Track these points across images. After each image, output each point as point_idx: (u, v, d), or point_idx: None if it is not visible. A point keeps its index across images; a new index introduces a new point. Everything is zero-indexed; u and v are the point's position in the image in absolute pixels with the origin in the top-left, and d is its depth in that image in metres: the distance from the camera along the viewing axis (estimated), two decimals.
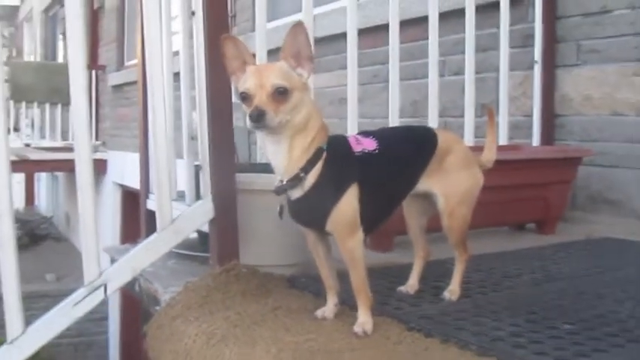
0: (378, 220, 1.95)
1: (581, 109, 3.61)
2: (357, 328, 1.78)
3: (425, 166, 1.96)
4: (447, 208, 1.98)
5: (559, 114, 3.71)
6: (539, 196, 3.23)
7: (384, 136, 1.93)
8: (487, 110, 2.23)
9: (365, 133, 1.95)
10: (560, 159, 3.30)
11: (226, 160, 2.27)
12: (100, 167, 10.48)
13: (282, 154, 1.77)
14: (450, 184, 1.98)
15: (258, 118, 1.65)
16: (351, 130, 2.97)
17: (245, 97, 1.71)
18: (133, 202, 6.96)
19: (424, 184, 1.98)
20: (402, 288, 2.15)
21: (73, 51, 2.14)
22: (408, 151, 1.95)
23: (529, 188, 3.17)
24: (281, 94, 1.69)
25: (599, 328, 1.81)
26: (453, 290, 2.09)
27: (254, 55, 1.82)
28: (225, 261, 2.23)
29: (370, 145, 1.87)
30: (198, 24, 2.30)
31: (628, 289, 2.21)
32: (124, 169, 9.04)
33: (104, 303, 8.23)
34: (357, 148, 1.84)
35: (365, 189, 1.80)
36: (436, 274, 2.25)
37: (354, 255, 1.80)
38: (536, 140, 3.69)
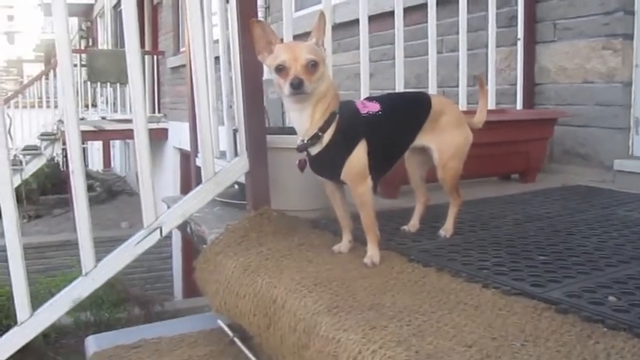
0: (383, 169, 1.92)
1: (557, 79, 3.52)
2: (366, 260, 1.77)
3: (421, 125, 1.93)
4: (441, 161, 1.95)
5: (538, 82, 3.63)
6: (522, 151, 3.18)
7: (386, 100, 1.91)
8: (478, 80, 2.18)
9: (370, 99, 1.93)
10: (540, 120, 3.24)
11: (258, 123, 2.25)
12: (162, 135, 10.54)
13: (305, 118, 1.76)
14: (444, 141, 1.95)
15: (299, 85, 1.65)
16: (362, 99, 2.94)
17: (281, 69, 1.69)
18: (189, 162, 7.01)
19: (422, 140, 1.94)
20: (405, 227, 2.13)
21: (129, 38, 2.11)
22: (406, 112, 1.92)
23: (514, 144, 3.12)
24: (313, 66, 1.67)
25: (568, 259, 1.79)
26: (447, 229, 2.06)
27: (281, 40, 1.79)
28: (259, 206, 2.21)
29: (374, 107, 1.84)
30: (232, 13, 2.26)
31: (594, 228, 2.17)
32: (181, 135, 9.07)
33: (168, 244, 8.32)
34: (363, 111, 1.82)
35: (371, 144, 1.78)
36: (434, 216, 2.23)
37: (364, 199, 1.78)
38: (519, 105, 3.62)
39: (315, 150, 1.79)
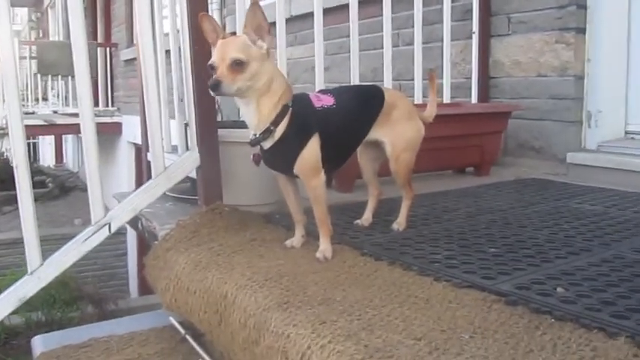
0: (337, 163, 1.93)
1: (511, 72, 3.57)
2: (318, 254, 1.77)
3: (374, 118, 1.94)
4: (394, 154, 1.97)
5: (493, 76, 3.68)
6: (477, 145, 3.22)
7: (340, 93, 1.91)
8: (429, 74, 2.20)
9: (324, 91, 1.93)
10: (494, 113, 3.29)
11: (208, 117, 2.24)
12: (116, 129, 10.38)
13: (252, 113, 1.75)
14: (396, 134, 1.96)
15: (214, 87, 1.65)
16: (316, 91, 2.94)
17: (212, 69, 1.69)
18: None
19: (374, 134, 1.96)
20: (358, 221, 2.14)
21: (75, 29, 2.07)
22: (359, 106, 1.93)
23: (468, 138, 3.16)
24: (238, 65, 1.66)
25: (519, 251, 1.81)
26: (400, 222, 2.08)
27: (233, 33, 1.78)
28: (211, 201, 2.20)
29: (328, 101, 1.85)
30: (182, 6, 2.24)
31: (546, 220, 2.21)
32: (136, 130, 8.93)
33: (123, 241, 8.17)
34: (317, 104, 1.82)
35: (325, 137, 1.78)
36: (387, 210, 2.24)
37: (317, 192, 1.78)
38: (474, 98, 3.66)
39: (267, 144, 1.78)
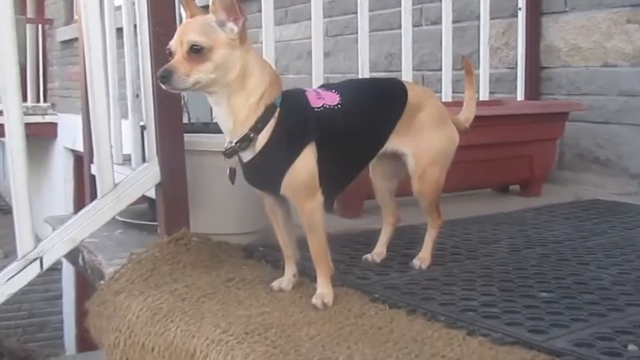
0: (341, 183, 1.94)
1: (569, 60, 3.60)
2: (315, 300, 1.78)
3: (394, 124, 1.95)
4: (418, 170, 1.97)
5: (545, 66, 3.70)
6: (523, 155, 3.24)
7: (348, 89, 1.92)
8: (465, 63, 2.21)
9: (327, 87, 1.94)
10: (546, 114, 3.31)
11: (173, 118, 2.25)
12: (49, 132, 10.39)
13: (224, 115, 1.77)
14: (422, 144, 1.97)
15: (163, 79, 1.67)
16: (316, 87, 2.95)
17: (170, 55, 1.71)
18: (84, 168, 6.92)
19: (393, 143, 1.96)
20: (367, 256, 2.15)
21: None
22: (374, 107, 1.93)
23: (512, 146, 3.18)
24: (197, 52, 1.68)
25: (579, 296, 1.82)
26: (423, 258, 2.09)
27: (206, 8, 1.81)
28: (174, 229, 2.21)
29: (332, 99, 1.85)
30: None
31: (613, 255, 2.22)
32: (76, 133, 8.93)
33: (57, 280, 8.17)
34: (316, 103, 1.82)
35: (325, 148, 1.79)
36: (406, 240, 2.25)
37: (313, 219, 1.79)
38: (520, 94, 3.68)
39: (247, 155, 1.79)
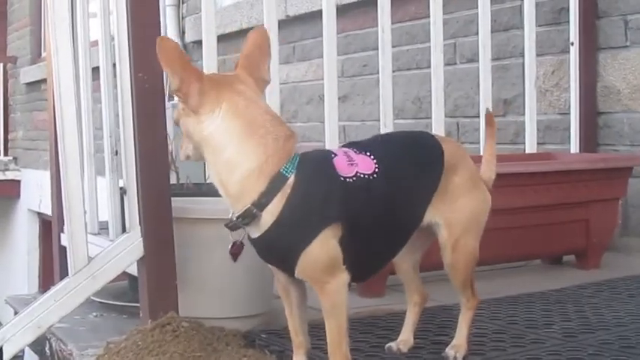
0: (373, 267, 1.96)
1: (632, 104, 3.61)
2: None
3: (432, 193, 1.93)
4: (450, 239, 1.96)
5: (603, 111, 3.72)
6: (579, 220, 3.23)
7: (382, 150, 1.91)
8: (486, 116, 2.23)
9: (359, 147, 1.92)
10: (606, 169, 3.29)
11: (158, 178, 2.27)
12: (11, 191, 10.43)
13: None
14: (456, 211, 1.97)
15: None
16: (330, 138, 2.97)
17: None
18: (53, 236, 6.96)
19: (429, 214, 1.95)
20: (392, 344, 2.14)
21: None
22: (412, 174, 1.92)
23: (565, 209, 3.17)
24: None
25: None
26: (458, 345, 2.06)
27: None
28: (160, 313, 2.22)
29: (367, 166, 1.84)
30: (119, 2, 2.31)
31: None
32: (43, 193, 8.98)
33: None
34: (347, 172, 1.81)
35: (353, 228, 1.79)
36: (437, 325, 2.25)
37: (335, 302, 1.80)
38: (574, 146, 3.69)
39: (253, 232, 1.81)
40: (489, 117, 2.22)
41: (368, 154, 1.87)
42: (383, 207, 1.85)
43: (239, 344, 2.23)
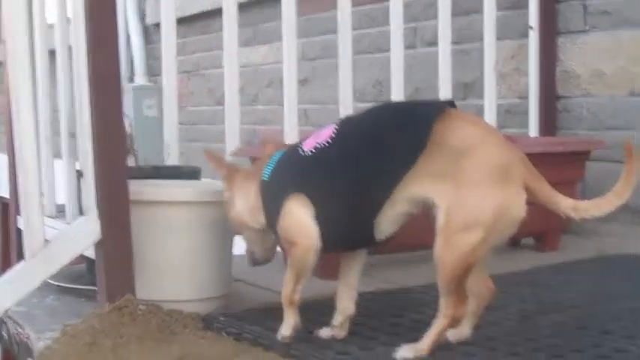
0: (346, 236, 1.97)
1: (591, 89, 3.63)
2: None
3: (404, 167, 1.84)
4: (446, 230, 1.83)
5: (562, 95, 3.74)
6: (537, 202, 3.25)
7: (356, 121, 2.01)
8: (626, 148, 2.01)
9: (345, 119, 2.08)
10: (564, 153, 3.31)
11: (115, 161, 2.26)
12: None
13: None
14: (461, 199, 1.83)
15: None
16: (290, 121, 2.99)
17: None
18: (10, 219, 6.89)
19: (420, 187, 1.86)
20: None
21: None
22: (373, 143, 1.89)
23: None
24: None
25: None
26: (419, 349, 1.90)
27: None
28: (117, 296, 2.22)
29: (324, 136, 1.92)
30: None
31: None
32: (1, 175, 8.90)
33: None
34: (308, 147, 1.93)
35: (317, 197, 1.89)
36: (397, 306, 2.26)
37: (298, 258, 1.96)
38: (533, 130, 3.71)
39: None
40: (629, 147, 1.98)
41: (335, 125, 1.94)
42: (339, 174, 1.90)
43: (197, 327, 2.23)
